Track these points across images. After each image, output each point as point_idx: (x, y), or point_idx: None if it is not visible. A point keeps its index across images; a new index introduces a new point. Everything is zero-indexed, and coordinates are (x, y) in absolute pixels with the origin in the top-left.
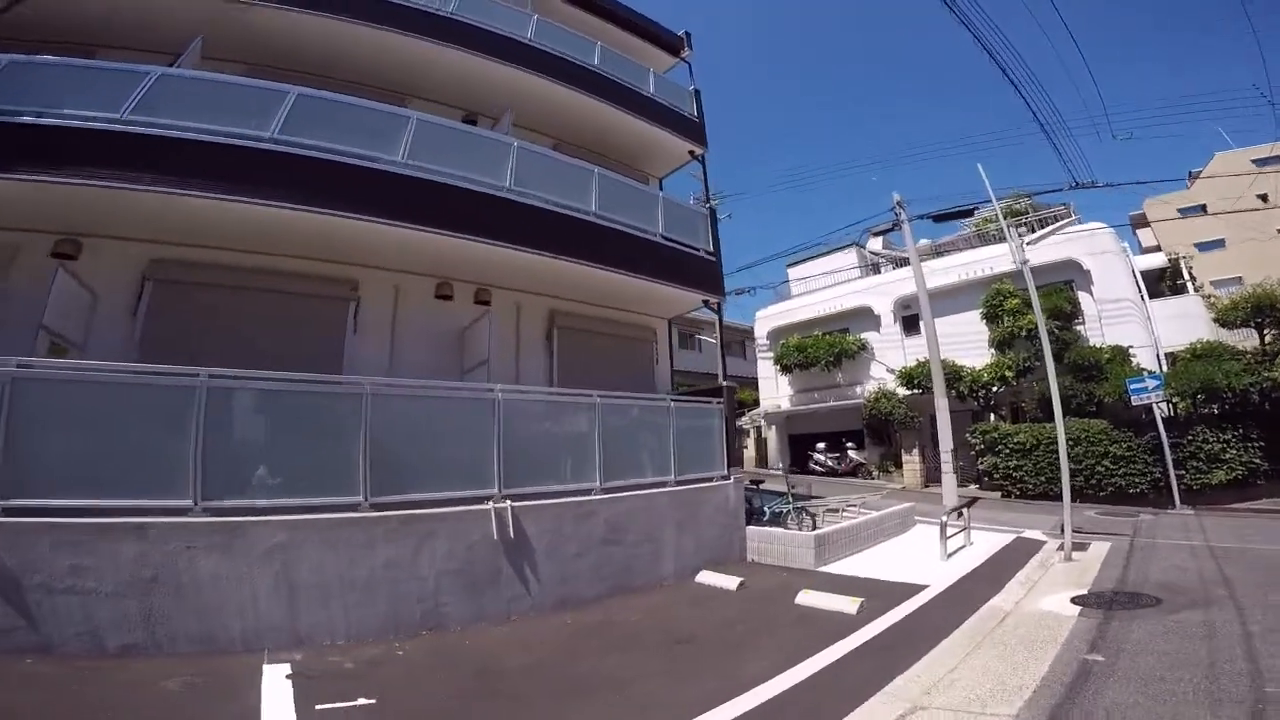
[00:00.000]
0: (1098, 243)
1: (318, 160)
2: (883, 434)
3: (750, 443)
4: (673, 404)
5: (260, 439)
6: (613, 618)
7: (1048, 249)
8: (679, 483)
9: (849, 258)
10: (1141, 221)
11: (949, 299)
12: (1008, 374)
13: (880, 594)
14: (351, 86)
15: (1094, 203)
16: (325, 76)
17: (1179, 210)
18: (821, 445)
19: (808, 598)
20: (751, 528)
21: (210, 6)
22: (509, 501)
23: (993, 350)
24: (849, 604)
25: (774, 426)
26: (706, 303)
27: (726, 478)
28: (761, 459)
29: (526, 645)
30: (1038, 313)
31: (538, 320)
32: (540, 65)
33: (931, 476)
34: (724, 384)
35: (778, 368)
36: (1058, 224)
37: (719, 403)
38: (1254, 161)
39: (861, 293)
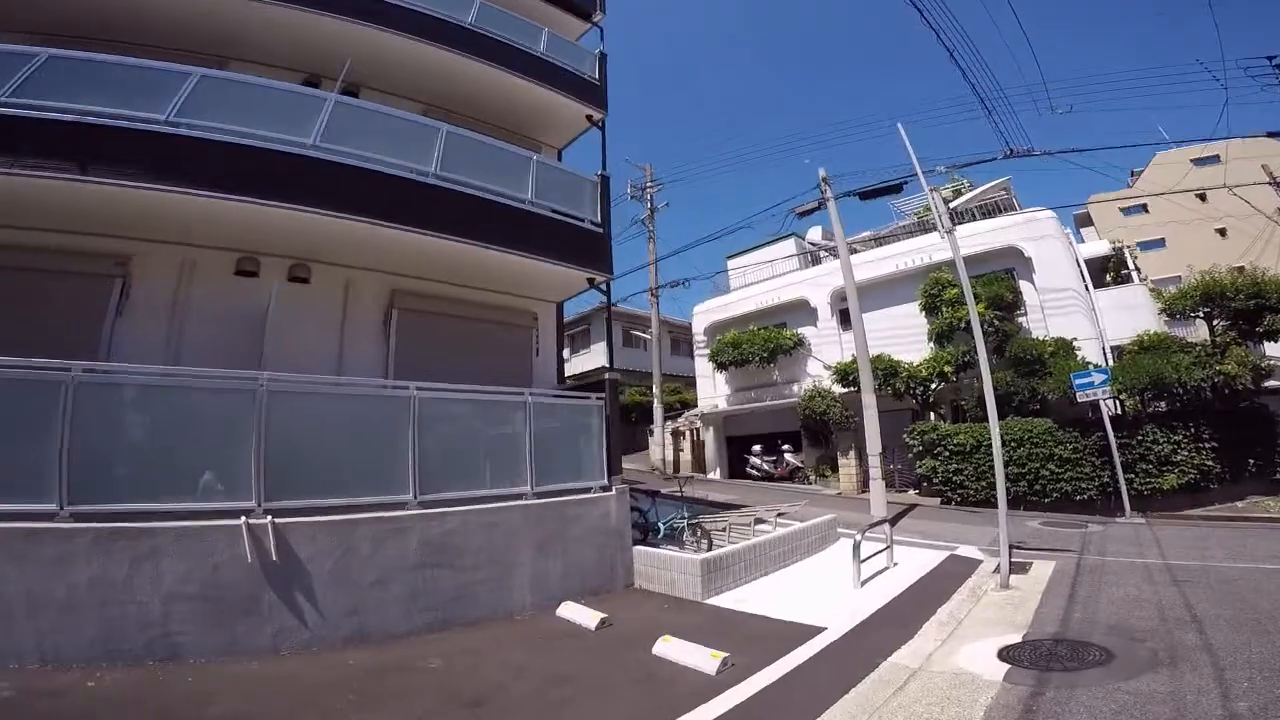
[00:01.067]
0: (1040, 228)
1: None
2: (820, 435)
3: (687, 445)
4: (532, 399)
5: None
6: (412, 661)
7: (988, 235)
8: (539, 495)
9: (788, 247)
10: (1085, 220)
11: (886, 291)
12: (947, 369)
13: (762, 640)
14: (156, 50)
15: (1036, 198)
16: (121, 41)
17: (1121, 210)
18: (757, 448)
19: (667, 647)
20: (641, 548)
21: None
22: (270, 517)
23: (932, 344)
24: (709, 660)
25: (711, 428)
26: (592, 282)
27: (608, 488)
28: (699, 462)
29: (264, 688)
30: (968, 296)
31: (374, 301)
32: (394, 22)
33: (867, 480)
34: (606, 376)
35: (713, 365)
36: (990, 185)
37: (599, 398)
38: (1192, 161)
39: (799, 285)
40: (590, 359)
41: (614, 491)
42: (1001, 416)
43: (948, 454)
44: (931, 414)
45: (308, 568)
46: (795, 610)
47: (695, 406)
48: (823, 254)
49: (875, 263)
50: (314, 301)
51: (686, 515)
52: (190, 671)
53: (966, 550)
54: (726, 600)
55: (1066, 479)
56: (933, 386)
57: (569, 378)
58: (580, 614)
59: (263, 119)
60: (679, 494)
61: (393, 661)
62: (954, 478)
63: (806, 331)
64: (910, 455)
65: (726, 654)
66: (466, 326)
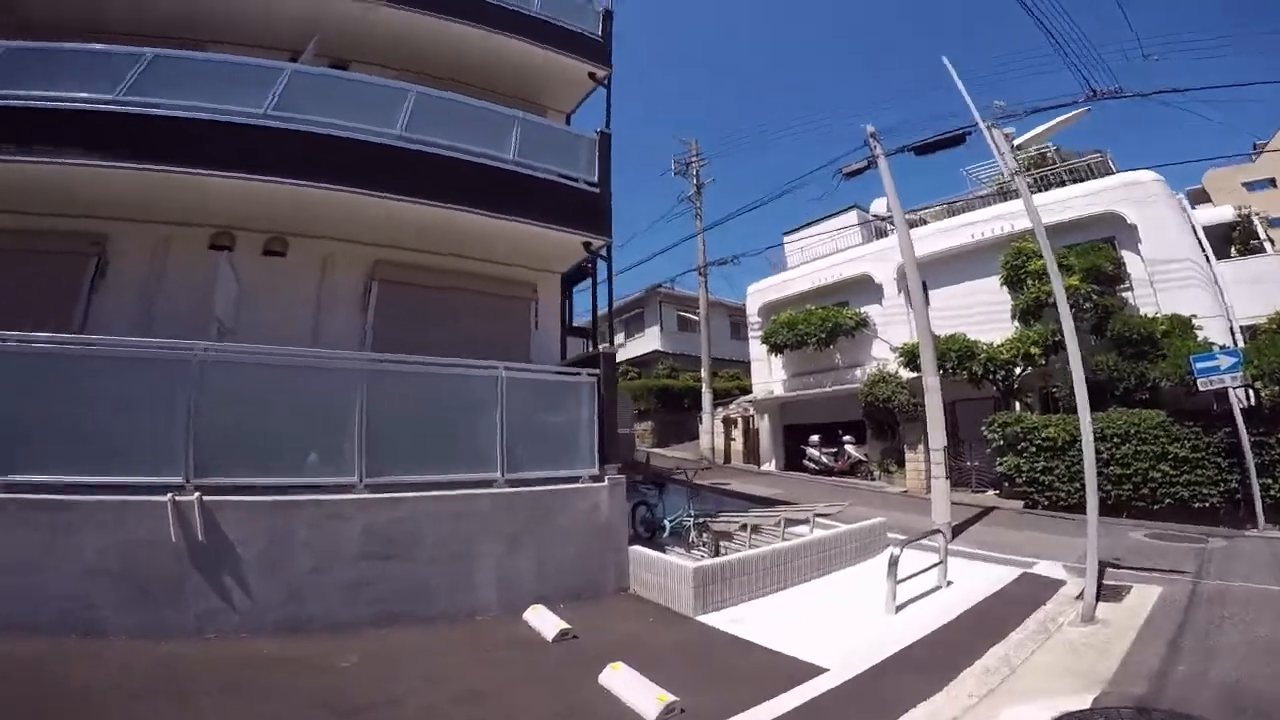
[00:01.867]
0: (1144, 191)
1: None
2: (885, 426)
3: (739, 434)
4: (506, 374)
5: None
6: (326, 656)
7: (1082, 200)
8: (513, 483)
9: (849, 219)
10: (1201, 197)
11: (963, 263)
12: (1033, 351)
13: (741, 678)
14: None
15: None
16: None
17: (1244, 185)
18: (815, 438)
19: (615, 677)
20: (638, 549)
21: None
22: (198, 495)
23: (1016, 323)
24: (653, 703)
25: (766, 415)
26: (589, 247)
27: (599, 478)
28: (752, 453)
29: (147, 666)
30: (1049, 260)
31: (353, 273)
32: None
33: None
34: (601, 350)
35: (766, 347)
36: (1086, 157)
37: (591, 375)
38: None
39: (861, 260)
40: (644, 343)
41: (606, 482)
42: (1102, 407)
43: (1034, 450)
44: (1017, 403)
45: (238, 550)
46: (800, 639)
47: (748, 393)
48: (888, 227)
49: (949, 232)
50: (290, 275)
51: (694, 512)
52: (98, 646)
53: (1046, 568)
54: (722, 619)
55: (1182, 483)
56: (1017, 371)
57: (622, 362)
58: (545, 621)
59: (225, 93)
60: (689, 482)
61: (305, 654)
62: (1041, 478)
63: (870, 310)
64: (989, 450)
65: (677, 698)
66: (456, 298)
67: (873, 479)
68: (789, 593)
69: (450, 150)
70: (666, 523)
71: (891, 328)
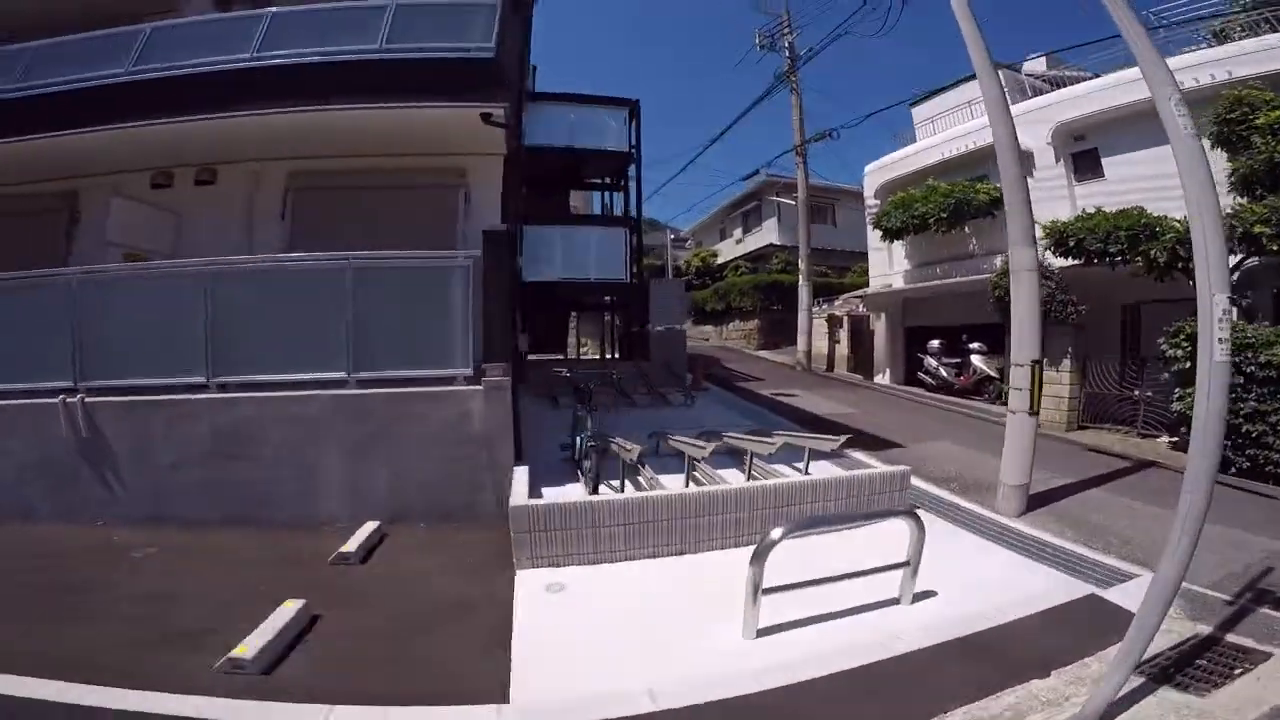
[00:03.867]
0: None
1: None
2: None
3: (843, 336)
4: (355, 263)
5: None
6: (132, 546)
7: None
8: (365, 383)
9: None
10: None
11: (1151, 123)
12: (1259, 230)
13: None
14: None
15: None
16: None
17: None
18: (935, 345)
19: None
20: (521, 470)
21: None
22: (80, 396)
23: (1233, 196)
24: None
25: (884, 315)
26: (486, 118)
27: (474, 380)
28: (863, 360)
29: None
30: None
31: (273, 188)
32: None
33: (1096, 411)
34: (484, 230)
35: (879, 233)
36: None
37: (467, 259)
38: None
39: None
40: (761, 237)
41: (482, 386)
42: None
43: (1245, 380)
44: (1234, 309)
45: (113, 446)
46: (594, 642)
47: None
48: (1043, 86)
49: (1132, 84)
50: (221, 198)
51: (589, 431)
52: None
53: (1142, 587)
54: (538, 580)
55: None
56: (1230, 261)
57: (738, 258)
58: (356, 541)
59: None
60: (586, 399)
61: (124, 542)
62: (1248, 425)
63: None
64: (1167, 375)
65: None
66: (377, 196)
67: (1001, 400)
68: (666, 563)
69: (315, 55)
70: (579, 440)
71: (1047, 204)
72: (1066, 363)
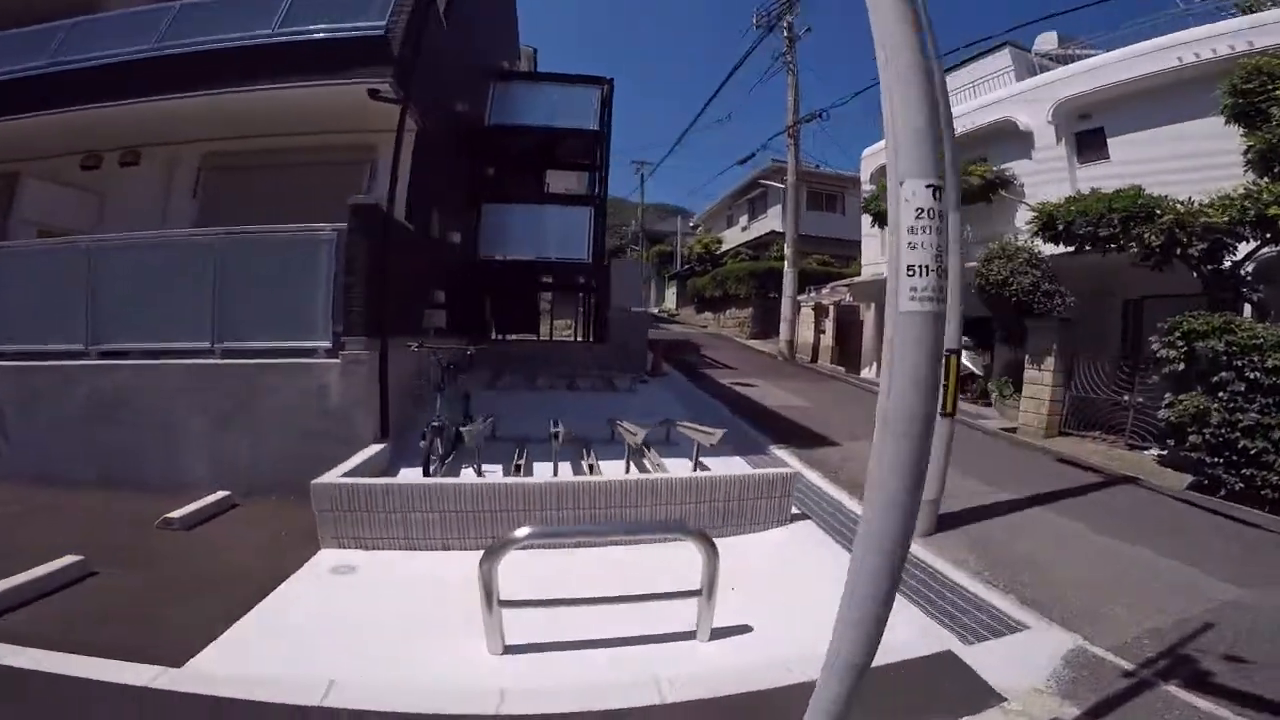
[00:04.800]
0: None
1: None
2: (1015, 327)
3: (829, 326)
4: (222, 237)
5: None
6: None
7: None
8: (229, 353)
9: (1002, 61)
10: None
11: (1157, 101)
12: (1275, 213)
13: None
14: None
15: None
16: None
17: None
18: None
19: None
20: (372, 449)
21: None
22: None
23: (1249, 175)
24: None
25: (873, 305)
26: (374, 94)
27: (332, 353)
28: (849, 352)
29: None
30: None
31: (190, 168)
32: None
33: (1085, 417)
34: (350, 201)
35: (869, 218)
36: None
37: (334, 231)
38: None
39: (1003, 103)
40: (766, 224)
41: (340, 359)
42: None
43: (1245, 387)
44: (1247, 306)
45: (3, 408)
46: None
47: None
48: (1048, 64)
49: (1144, 58)
50: (142, 178)
51: (437, 411)
52: None
53: (1020, 645)
54: (331, 559)
55: None
56: (1240, 246)
57: (742, 245)
58: (190, 509)
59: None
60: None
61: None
62: (1246, 441)
63: (1016, 167)
64: (1157, 377)
65: None
66: (287, 174)
67: (985, 401)
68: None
69: (210, 43)
70: (444, 422)
71: (1046, 188)
72: (1050, 361)
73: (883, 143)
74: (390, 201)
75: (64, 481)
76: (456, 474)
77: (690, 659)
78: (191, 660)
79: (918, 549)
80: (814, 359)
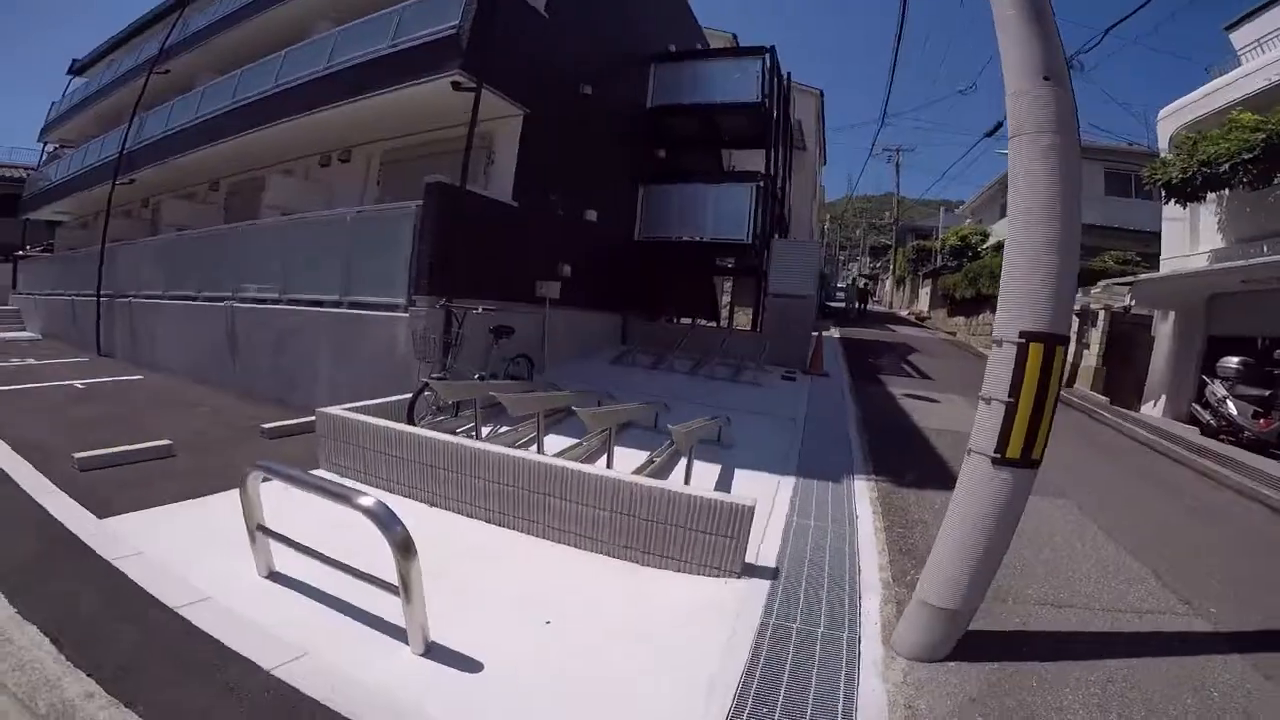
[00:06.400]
0: None
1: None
2: None
3: (1096, 339)
4: (353, 214)
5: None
6: (199, 401)
7: None
8: (352, 305)
9: None
10: None
11: None
12: None
13: None
14: None
15: None
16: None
17: None
18: (1232, 363)
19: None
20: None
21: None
22: (229, 303)
23: None
24: None
25: (1172, 315)
26: (457, 86)
27: (403, 308)
28: (1122, 379)
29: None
30: None
31: (374, 162)
32: None
33: None
34: (426, 180)
35: (1160, 189)
36: None
37: (417, 206)
38: None
39: None
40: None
41: (407, 314)
42: None
43: None
44: None
45: (240, 337)
46: None
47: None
48: None
49: None
50: (352, 172)
51: (450, 368)
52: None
53: None
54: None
55: None
56: None
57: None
58: (284, 422)
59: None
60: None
61: (198, 399)
62: None
63: None
64: None
65: None
66: (433, 163)
67: None
68: (437, 514)
69: (346, 62)
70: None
71: None
72: None
73: (1186, 97)
74: (463, 179)
75: (255, 395)
76: (451, 430)
77: (386, 661)
78: (119, 516)
79: (881, 683)
80: (1069, 382)
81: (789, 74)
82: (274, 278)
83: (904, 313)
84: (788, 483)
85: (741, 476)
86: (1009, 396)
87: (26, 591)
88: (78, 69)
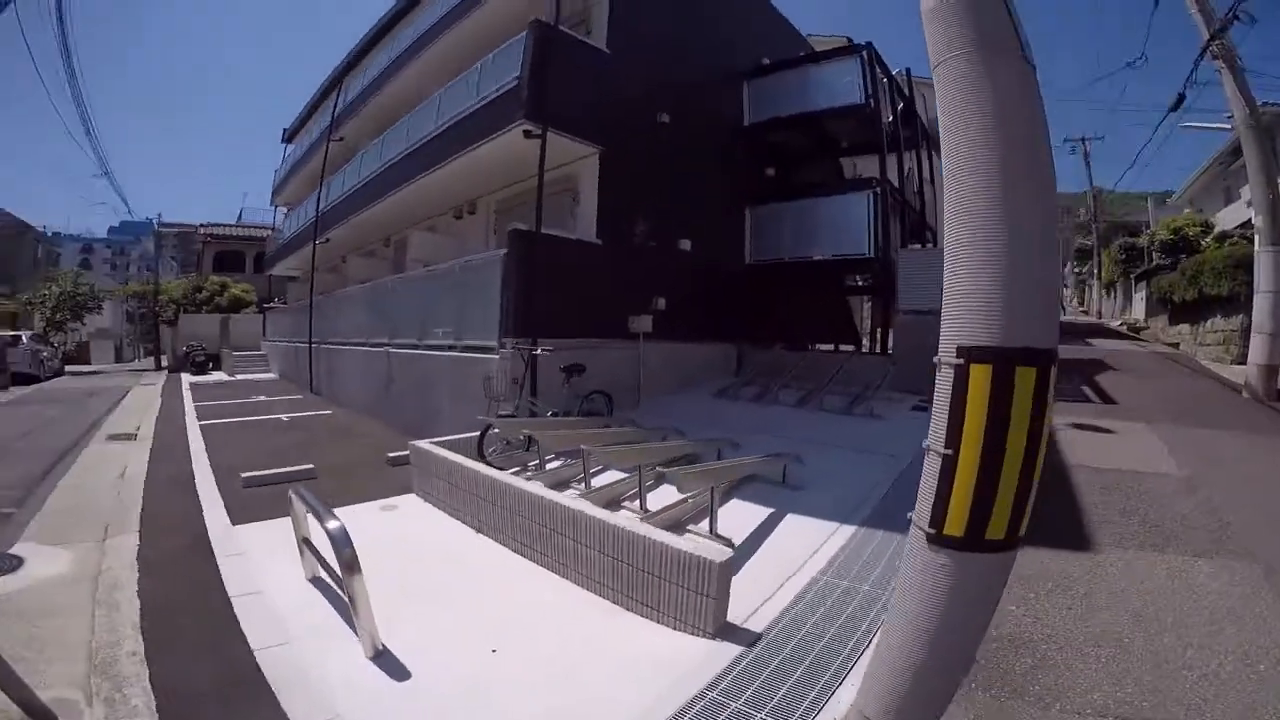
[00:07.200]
0: None
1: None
2: None
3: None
4: (460, 264)
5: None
6: (369, 431)
7: None
8: (464, 349)
9: None
10: None
11: None
12: None
13: None
14: None
15: None
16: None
17: None
18: None
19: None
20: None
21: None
22: (386, 347)
23: None
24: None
25: None
26: (528, 134)
27: (496, 350)
28: None
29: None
30: None
31: (492, 213)
32: None
33: None
34: (509, 228)
35: None
36: None
37: (504, 252)
38: None
39: None
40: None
41: (497, 355)
42: None
43: None
44: None
45: (395, 376)
46: None
47: None
48: None
49: None
50: (472, 223)
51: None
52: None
53: None
54: (403, 500)
55: None
56: None
57: (1241, 226)
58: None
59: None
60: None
61: (354, 428)
62: None
63: None
64: None
65: None
66: (532, 208)
67: None
68: (495, 548)
69: (450, 120)
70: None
71: None
72: None
73: None
74: (538, 224)
75: (405, 428)
76: (523, 464)
77: (340, 659)
78: (247, 524)
79: None
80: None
81: (908, 70)
82: (414, 324)
83: (1115, 323)
84: (844, 532)
85: (790, 523)
86: (945, 446)
87: (151, 574)
88: (288, 136)
